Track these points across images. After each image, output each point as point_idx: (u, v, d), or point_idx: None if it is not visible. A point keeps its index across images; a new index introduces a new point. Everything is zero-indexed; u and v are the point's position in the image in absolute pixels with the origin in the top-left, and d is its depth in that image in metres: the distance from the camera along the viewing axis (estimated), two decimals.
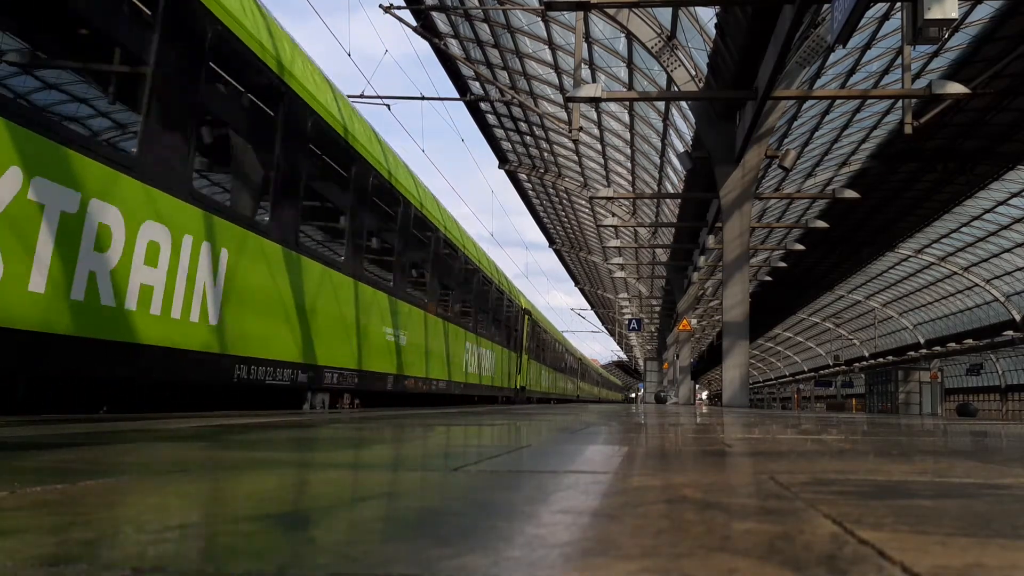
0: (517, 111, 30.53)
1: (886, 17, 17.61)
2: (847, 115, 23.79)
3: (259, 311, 6.18)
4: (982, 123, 23.88)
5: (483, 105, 30.58)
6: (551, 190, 40.26)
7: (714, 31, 15.54)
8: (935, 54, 19.81)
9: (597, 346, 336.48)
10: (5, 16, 3.79)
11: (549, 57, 24.06)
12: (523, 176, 38.76)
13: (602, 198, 24.27)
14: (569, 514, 1.37)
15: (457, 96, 27.88)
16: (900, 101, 15.86)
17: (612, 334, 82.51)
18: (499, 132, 34.27)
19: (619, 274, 46.65)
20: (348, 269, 8.14)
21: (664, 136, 24.77)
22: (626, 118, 26.09)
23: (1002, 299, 40.68)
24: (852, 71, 20.72)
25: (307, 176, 7.00)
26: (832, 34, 9.64)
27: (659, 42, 17.01)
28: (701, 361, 64.76)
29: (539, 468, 2.20)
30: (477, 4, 22.32)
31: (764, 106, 14.33)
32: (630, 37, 18.42)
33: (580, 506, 1.48)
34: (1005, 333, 37.90)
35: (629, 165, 30.16)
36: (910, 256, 41.15)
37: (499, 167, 37.56)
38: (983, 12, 17.98)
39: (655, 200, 31.46)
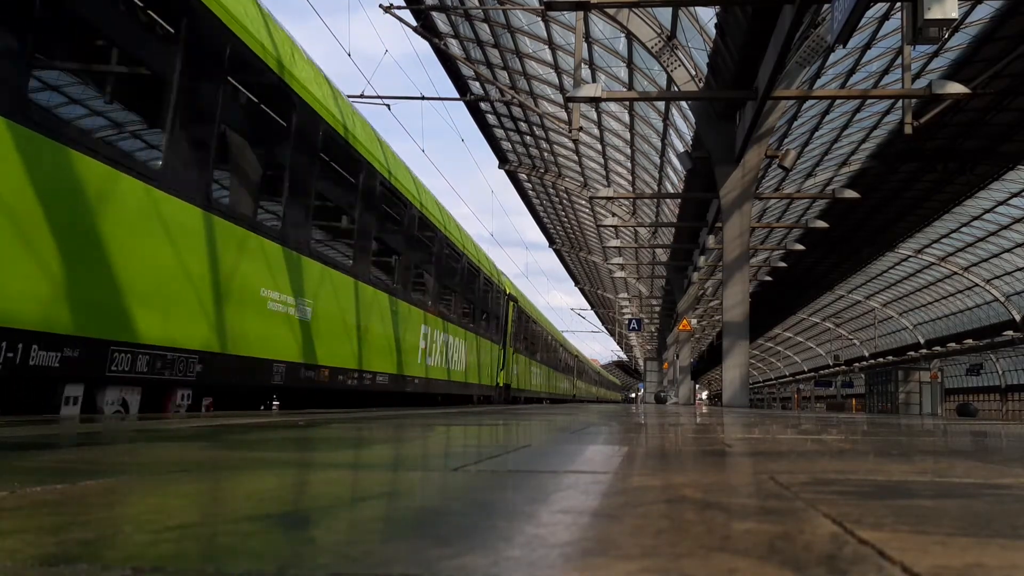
0: (517, 111, 30.54)
1: (886, 17, 17.61)
2: (847, 115, 23.79)
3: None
4: (982, 123, 23.87)
5: (483, 105, 30.59)
6: (551, 190, 40.27)
7: (714, 31, 15.54)
8: (935, 54, 19.81)
9: (597, 346, 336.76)
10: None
11: (549, 57, 24.06)
12: (523, 176, 38.77)
13: (602, 198, 24.29)
14: (569, 514, 1.37)
15: (457, 96, 27.90)
16: (900, 101, 15.87)
17: (612, 334, 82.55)
18: (499, 132, 34.28)
19: (619, 274, 46.65)
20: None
21: (664, 136, 24.78)
22: (626, 118, 26.10)
23: (1002, 299, 40.68)
24: (852, 71, 20.72)
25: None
26: (832, 34, 9.64)
27: (659, 42, 17.01)
28: (701, 361, 64.74)
29: (539, 468, 2.20)
30: (477, 4, 22.32)
31: (764, 106, 14.33)
32: (630, 37, 18.43)
33: (580, 506, 1.48)
34: (1005, 333, 37.93)
35: (629, 165, 30.17)
36: (910, 256, 41.16)
37: (499, 167, 37.58)
38: (983, 12, 17.98)
39: (655, 200, 31.47)
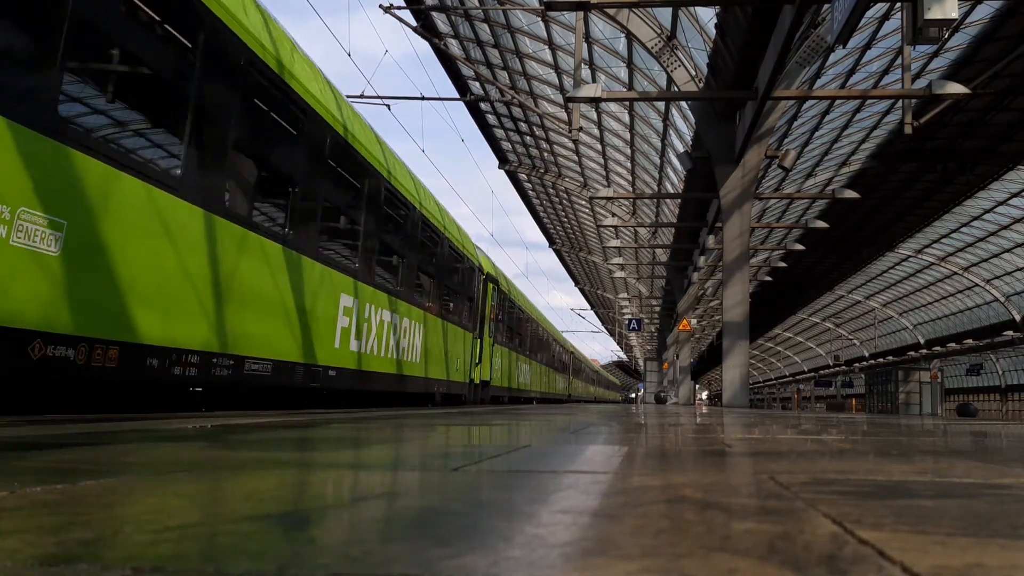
0: (517, 111, 30.55)
1: (886, 17, 17.61)
2: (847, 115, 23.79)
3: None
4: (982, 123, 23.88)
5: (483, 105, 30.60)
6: (551, 190, 40.27)
7: (714, 31, 15.54)
8: (935, 54, 19.82)
9: (597, 346, 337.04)
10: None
11: (549, 57, 24.07)
12: (523, 176, 38.78)
13: (602, 198, 24.28)
14: (569, 514, 1.37)
15: (457, 96, 27.90)
16: (900, 101, 15.87)
17: (612, 334, 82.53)
18: (499, 132, 34.29)
19: (619, 274, 46.65)
20: None
21: (664, 136, 24.78)
22: (626, 118, 26.10)
23: (1002, 299, 40.68)
24: (852, 71, 20.72)
25: None
26: (832, 34, 9.64)
27: (659, 42, 17.01)
28: (701, 361, 64.77)
29: (539, 468, 2.20)
30: (477, 4, 22.33)
31: (764, 106, 14.34)
32: (630, 37, 18.43)
33: (580, 506, 1.48)
34: (1005, 333, 37.95)
35: (629, 165, 30.17)
36: (910, 256, 41.17)
37: (499, 167, 37.58)
38: (983, 12, 17.98)
39: (655, 200, 31.47)
